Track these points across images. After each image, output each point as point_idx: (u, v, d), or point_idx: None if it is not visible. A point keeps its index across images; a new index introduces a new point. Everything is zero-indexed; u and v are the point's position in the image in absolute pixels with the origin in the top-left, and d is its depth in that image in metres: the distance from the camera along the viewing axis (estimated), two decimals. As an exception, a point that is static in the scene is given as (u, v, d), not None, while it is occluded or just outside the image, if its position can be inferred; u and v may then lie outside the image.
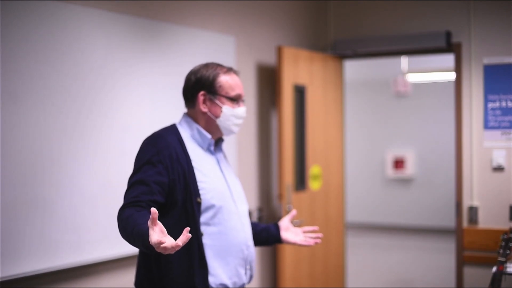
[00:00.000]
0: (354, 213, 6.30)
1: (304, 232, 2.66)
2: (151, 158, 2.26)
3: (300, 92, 4.47)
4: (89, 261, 3.03)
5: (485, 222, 4.26)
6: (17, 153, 2.70)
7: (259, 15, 4.35)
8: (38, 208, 2.77)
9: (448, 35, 4.37)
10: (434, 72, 6.27)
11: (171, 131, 2.39)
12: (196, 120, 2.43)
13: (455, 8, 4.44)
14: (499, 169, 4.21)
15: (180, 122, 2.46)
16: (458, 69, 4.38)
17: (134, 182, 2.23)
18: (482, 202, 4.28)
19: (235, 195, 2.44)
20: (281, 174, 4.30)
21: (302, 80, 4.48)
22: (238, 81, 2.45)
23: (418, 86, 6.52)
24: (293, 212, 2.70)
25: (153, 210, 1.82)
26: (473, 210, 4.28)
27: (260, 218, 4.27)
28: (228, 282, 2.35)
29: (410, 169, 6.44)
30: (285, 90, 4.30)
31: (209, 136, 2.42)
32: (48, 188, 2.83)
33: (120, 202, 2.22)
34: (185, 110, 2.49)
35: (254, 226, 2.60)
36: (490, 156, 4.24)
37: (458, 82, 4.37)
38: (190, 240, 2.09)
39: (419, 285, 6.04)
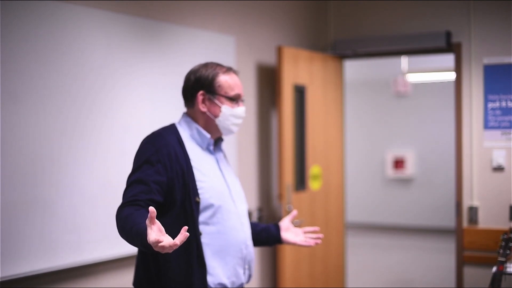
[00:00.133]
0: (354, 213, 6.31)
1: (305, 232, 2.66)
2: (150, 157, 2.25)
3: (300, 92, 4.47)
4: (89, 261, 3.03)
5: (485, 222, 4.26)
6: (17, 153, 2.70)
7: (259, 15, 4.35)
8: (38, 208, 2.77)
9: (448, 35, 4.37)
10: (434, 72, 6.28)
11: (171, 130, 2.39)
12: (195, 120, 2.43)
13: (455, 8, 4.44)
14: (499, 169, 4.21)
15: (179, 122, 2.45)
16: (458, 69, 4.37)
17: (133, 181, 2.23)
18: (482, 202, 4.27)
19: (234, 194, 2.44)
20: (281, 174, 4.30)
21: (302, 80, 4.48)
22: (238, 81, 2.45)
23: (418, 86, 6.52)
24: (294, 212, 2.68)
25: (151, 209, 1.82)
26: (473, 210, 4.27)
27: (260, 218, 4.27)
28: (226, 282, 2.35)
29: (410, 169, 6.44)
30: (285, 90, 4.30)
31: (208, 135, 2.42)
32: (48, 188, 2.83)
33: (120, 202, 2.22)
34: (184, 110, 2.49)
35: (254, 226, 2.59)
36: (490, 156, 4.24)
37: (458, 82, 4.37)
38: (189, 239, 2.08)
39: (419, 285, 6.04)
